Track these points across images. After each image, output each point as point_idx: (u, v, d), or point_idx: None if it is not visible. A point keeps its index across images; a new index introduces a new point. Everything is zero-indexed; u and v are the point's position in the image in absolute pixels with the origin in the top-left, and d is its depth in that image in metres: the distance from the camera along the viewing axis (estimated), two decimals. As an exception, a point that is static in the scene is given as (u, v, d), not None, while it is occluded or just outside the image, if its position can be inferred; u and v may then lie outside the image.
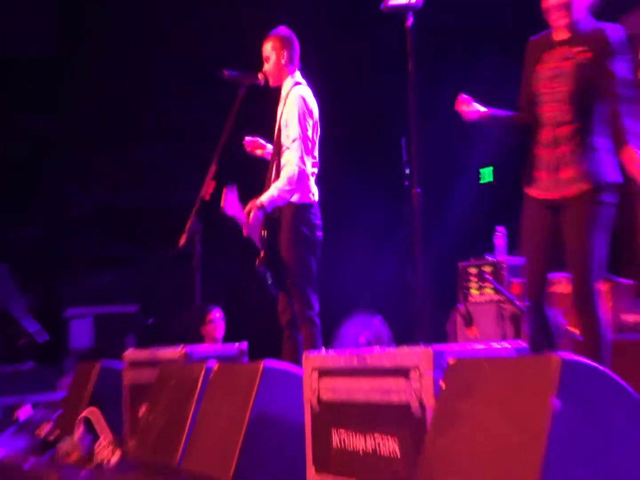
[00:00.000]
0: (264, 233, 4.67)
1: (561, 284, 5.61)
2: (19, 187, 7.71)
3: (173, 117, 8.03)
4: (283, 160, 4.76)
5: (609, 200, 3.81)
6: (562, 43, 3.89)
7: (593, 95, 3.78)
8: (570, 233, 3.82)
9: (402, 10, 3.88)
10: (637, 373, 2.59)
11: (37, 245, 8.23)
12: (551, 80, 3.88)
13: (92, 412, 3.85)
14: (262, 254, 4.70)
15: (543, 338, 3.92)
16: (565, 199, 3.81)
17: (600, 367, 2.15)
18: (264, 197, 4.64)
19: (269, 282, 4.66)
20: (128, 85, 8.22)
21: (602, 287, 6.53)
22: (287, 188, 4.63)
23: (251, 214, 4.54)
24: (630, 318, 6.36)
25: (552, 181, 3.86)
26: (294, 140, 4.71)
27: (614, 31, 3.81)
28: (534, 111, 3.93)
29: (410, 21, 3.89)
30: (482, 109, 3.95)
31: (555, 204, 3.86)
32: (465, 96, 3.94)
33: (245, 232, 4.69)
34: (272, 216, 4.72)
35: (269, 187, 4.74)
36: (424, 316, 4.19)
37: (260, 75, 4.89)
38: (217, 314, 7.27)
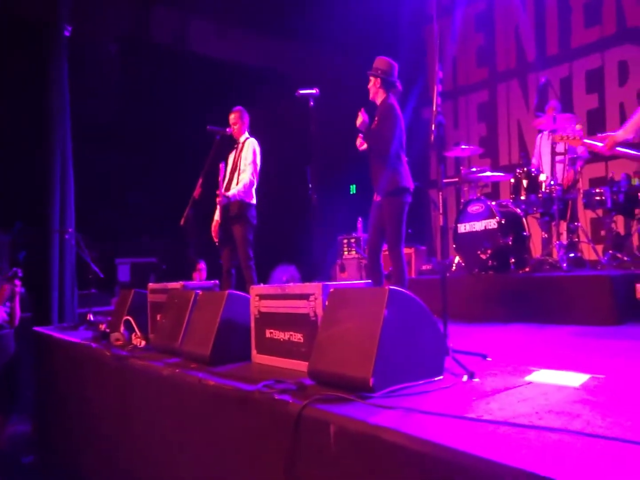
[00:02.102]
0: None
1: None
2: (103, 199, 7.43)
3: (185, 153, 7.74)
4: (241, 176, 4.72)
5: (402, 199, 3.84)
6: (374, 116, 3.95)
7: (383, 139, 3.80)
8: (386, 221, 3.87)
9: (307, 96, 3.87)
10: (428, 296, 2.65)
11: (105, 224, 7.87)
12: (369, 136, 3.89)
13: (128, 318, 3.73)
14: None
15: (377, 278, 3.95)
16: (382, 200, 3.86)
17: (407, 291, 2.18)
18: (230, 192, 4.63)
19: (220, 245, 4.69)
20: (167, 141, 7.92)
21: (409, 250, 6.71)
22: (243, 190, 4.63)
23: (221, 199, 4.56)
24: (424, 267, 6.53)
25: (377, 190, 3.92)
26: (249, 164, 4.70)
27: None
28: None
29: (311, 103, 3.87)
30: (364, 118, 3.89)
31: (379, 204, 3.91)
32: (362, 110, 3.91)
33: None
34: (229, 208, 4.66)
35: (228, 189, 4.70)
36: (319, 266, 4.20)
37: (228, 130, 4.82)
38: (202, 264, 7.13)
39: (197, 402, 2.51)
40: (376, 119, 3.90)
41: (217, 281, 3.81)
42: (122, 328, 3.69)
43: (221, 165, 4.70)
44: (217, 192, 4.62)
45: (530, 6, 7.82)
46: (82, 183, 6.78)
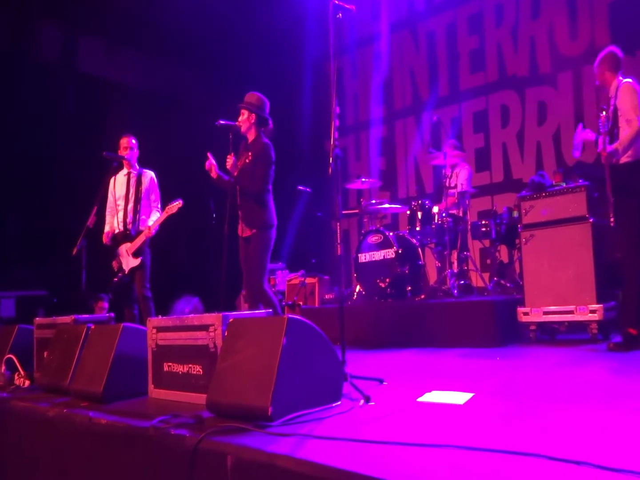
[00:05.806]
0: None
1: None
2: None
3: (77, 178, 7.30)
4: (154, 211, 4.63)
5: (270, 234, 3.86)
6: (245, 151, 3.96)
7: (258, 178, 3.79)
8: (251, 255, 3.83)
9: (227, 127, 3.80)
10: (329, 324, 2.75)
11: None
12: (242, 175, 3.86)
13: (11, 356, 3.49)
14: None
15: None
16: (248, 237, 3.85)
17: (305, 320, 2.25)
18: (152, 224, 4.46)
19: (119, 280, 4.50)
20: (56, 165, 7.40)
21: (313, 280, 6.81)
22: (158, 225, 4.46)
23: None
24: (327, 296, 6.67)
25: (243, 227, 3.89)
26: (158, 199, 4.67)
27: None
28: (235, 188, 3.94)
29: (230, 136, 3.81)
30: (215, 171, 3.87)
31: (246, 239, 3.87)
32: (212, 159, 3.86)
33: None
34: (137, 239, 4.50)
35: (128, 220, 4.52)
36: (222, 297, 4.07)
37: (127, 156, 4.64)
38: (105, 302, 6.74)
39: (87, 443, 2.39)
40: (250, 156, 3.86)
41: (112, 314, 3.67)
42: (3, 367, 3.43)
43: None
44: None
45: (423, 50, 8.47)
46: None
